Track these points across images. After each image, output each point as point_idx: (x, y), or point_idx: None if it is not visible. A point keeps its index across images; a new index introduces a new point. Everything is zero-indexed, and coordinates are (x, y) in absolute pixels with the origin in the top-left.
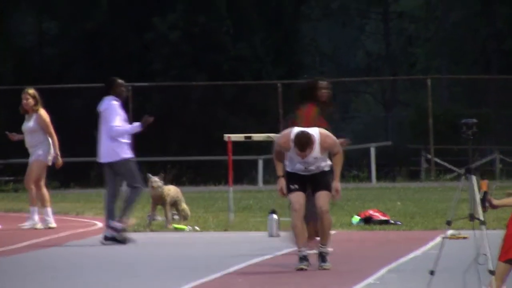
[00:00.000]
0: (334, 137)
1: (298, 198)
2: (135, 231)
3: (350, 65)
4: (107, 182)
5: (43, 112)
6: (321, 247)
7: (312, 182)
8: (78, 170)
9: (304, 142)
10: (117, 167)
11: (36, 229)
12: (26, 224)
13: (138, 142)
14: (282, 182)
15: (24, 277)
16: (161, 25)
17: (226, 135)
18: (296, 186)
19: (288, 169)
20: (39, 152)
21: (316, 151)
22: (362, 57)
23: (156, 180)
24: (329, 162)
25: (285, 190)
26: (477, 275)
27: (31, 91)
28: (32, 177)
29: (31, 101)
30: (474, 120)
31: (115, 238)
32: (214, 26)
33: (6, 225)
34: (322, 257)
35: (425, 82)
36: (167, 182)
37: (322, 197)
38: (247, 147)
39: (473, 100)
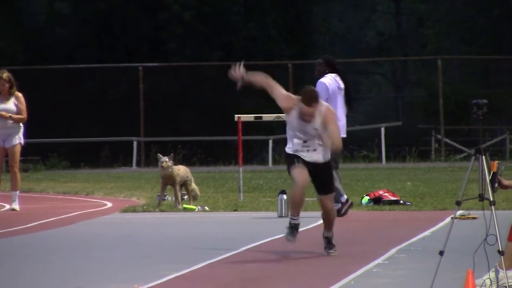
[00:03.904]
0: (335, 115)
1: (301, 173)
2: (144, 211)
3: (361, 46)
4: None
5: (20, 94)
6: (327, 232)
7: (315, 176)
8: (88, 151)
9: (311, 96)
10: None
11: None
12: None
13: (148, 122)
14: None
15: (33, 256)
16: (174, 5)
17: (236, 116)
18: (300, 163)
19: (289, 150)
20: (19, 135)
21: (316, 121)
22: (373, 37)
23: (166, 160)
24: (329, 152)
25: (240, 74)
26: (486, 255)
27: (5, 74)
28: (18, 160)
29: (7, 85)
30: (485, 101)
31: None
32: (226, 6)
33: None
34: (328, 243)
35: (436, 62)
36: (177, 162)
37: (329, 201)
38: (257, 127)
39: (484, 81)
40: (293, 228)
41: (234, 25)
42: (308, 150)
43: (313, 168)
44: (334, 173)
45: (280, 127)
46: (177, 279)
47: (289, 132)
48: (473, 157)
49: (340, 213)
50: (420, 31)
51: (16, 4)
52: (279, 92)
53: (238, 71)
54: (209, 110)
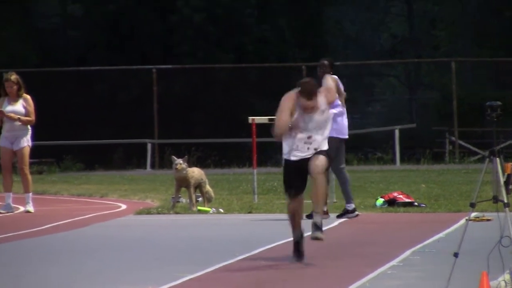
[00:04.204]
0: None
1: (296, 202)
2: (159, 213)
3: (374, 48)
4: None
5: (29, 96)
6: (315, 214)
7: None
8: (102, 153)
9: (310, 89)
10: None
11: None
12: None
13: (162, 124)
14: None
15: (47, 258)
16: (185, 8)
17: (250, 118)
18: (293, 192)
19: (285, 156)
20: (27, 137)
21: (321, 103)
22: (386, 39)
23: (180, 162)
24: (327, 145)
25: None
26: (501, 257)
27: (14, 77)
28: (27, 163)
29: (15, 87)
30: (499, 103)
31: None
32: (238, 8)
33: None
34: (315, 226)
35: (449, 64)
36: (191, 164)
37: (317, 158)
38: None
39: (497, 83)
40: (316, 227)
41: (246, 27)
42: (309, 148)
43: (308, 158)
44: (344, 173)
45: None
46: (191, 282)
47: (290, 135)
48: (487, 159)
49: (338, 215)
50: (433, 33)
51: (28, 6)
52: (284, 111)
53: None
54: (223, 112)
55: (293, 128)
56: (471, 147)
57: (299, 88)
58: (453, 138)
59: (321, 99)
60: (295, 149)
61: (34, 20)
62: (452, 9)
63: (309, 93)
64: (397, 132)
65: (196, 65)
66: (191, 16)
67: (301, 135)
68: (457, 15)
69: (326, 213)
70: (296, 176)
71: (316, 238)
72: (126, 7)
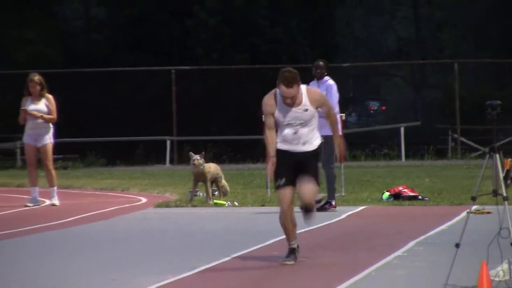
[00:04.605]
0: (321, 92)
1: (285, 197)
2: (177, 206)
3: (382, 50)
4: None
5: (51, 96)
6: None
7: (301, 166)
8: (124, 149)
9: (290, 77)
10: None
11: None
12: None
13: (181, 122)
14: (273, 162)
15: (72, 249)
16: (201, 12)
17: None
18: (283, 181)
19: (278, 146)
20: (49, 134)
21: (305, 102)
22: (393, 42)
23: (197, 158)
24: (319, 139)
25: (271, 171)
26: (499, 248)
27: (37, 78)
28: (50, 158)
29: (38, 87)
30: (498, 102)
31: None
32: (251, 11)
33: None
34: (305, 210)
35: (452, 66)
36: (207, 160)
37: (308, 191)
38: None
39: (497, 83)
40: (291, 253)
41: (260, 29)
42: (298, 143)
43: (300, 158)
44: (333, 172)
45: None
46: (208, 271)
47: (278, 115)
48: (487, 155)
49: (319, 207)
50: (437, 36)
51: (54, 10)
52: (266, 116)
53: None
54: (237, 111)
55: (277, 124)
56: (472, 144)
57: (280, 77)
58: (456, 135)
59: (306, 100)
60: (284, 141)
61: (59, 22)
62: (456, 14)
63: (289, 81)
64: (402, 130)
65: (212, 66)
66: (206, 20)
67: (287, 131)
68: (460, 19)
69: (332, 206)
70: (287, 165)
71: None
72: (146, 11)
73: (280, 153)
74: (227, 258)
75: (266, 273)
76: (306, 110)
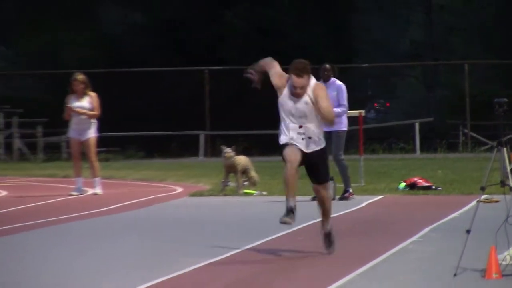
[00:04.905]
0: (325, 89)
1: (293, 151)
2: (210, 195)
3: (397, 52)
4: None
5: (94, 94)
6: (325, 225)
7: (310, 166)
8: (161, 143)
9: (301, 67)
10: None
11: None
12: (97, 191)
13: (213, 118)
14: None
15: (114, 235)
16: (231, 17)
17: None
18: (293, 145)
19: (283, 141)
20: (93, 129)
21: (308, 94)
22: (407, 44)
23: (228, 151)
24: (323, 134)
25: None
26: (507, 234)
27: (80, 77)
28: (93, 151)
29: (82, 86)
30: (505, 100)
31: None
32: (278, 17)
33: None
34: (327, 238)
35: (463, 66)
36: (238, 152)
37: (322, 189)
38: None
39: (505, 83)
40: (290, 211)
41: (286, 34)
42: (303, 138)
43: (308, 158)
44: (343, 163)
45: None
46: (239, 254)
47: (282, 119)
48: (495, 149)
49: (340, 198)
50: (448, 39)
51: (96, 15)
52: (275, 71)
53: (253, 72)
54: (265, 107)
55: (281, 110)
56: (482, 138)
57: (291, 67)
58: (466, 130)
59: (310, 92)
60: (290, 139)
61: (101, 27)
62: (465, 19)
63: (300, 70)
64: (417, 125)
65: (242, 67)
66: (237, 25)
67: (293, 125)
68: (470, 23)
69: (351, 194)
70: (295, 152)
71: (329, 252)
72: (181, 16)
73: (287, 145)
74: (257, 242)
75: (289, 257)
76: (306, 103)
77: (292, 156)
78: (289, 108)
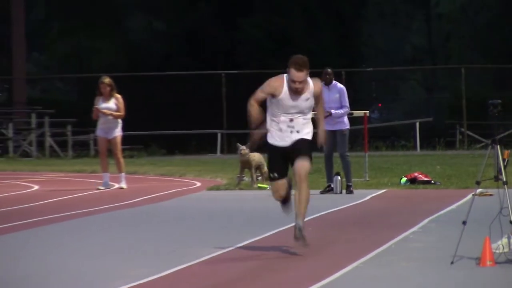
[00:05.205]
0: (321, 86)
1: (280, 188)
2: (226, 189)
3: (399, 57)
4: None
5: (119, 96)
6: (298, 219)
7: (294, 150)
8: (181, 141)
9: (301, 61)
10: None
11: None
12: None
13: (229, 118)
14: (257, 135)
15: (137, 225)
16: (247, 25)
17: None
18: (276, 175)
19: (269, 140)
20: (119, 128)
21: (309, 91)
22: (409, 50)
23: (243, 148)
24: (311, 129)
25: (258, 136)
26: (500, 225)
27: (107, 80)
28: (119, 148)
29: (108, 88)
30: (499, 101)
31: None
32: (289, 24)
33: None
34: (299, 231)
35: (459, 70)
36: (252, 150)
37: (301, 164)
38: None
39: (499, 85)
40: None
41: (296, 40)
42: (292, 132)
43: (292, 146)
44: (348, 159)
45: None
46: (253, 244)
47: (273, 116)
48: (489, 146)
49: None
50: (446, 45)
51: (122, 23)
52: (263, 92)
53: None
54: None
55: (277, 109)
56: (477, 137)
57: (290, 62)
58: (463, 129)
59: (310, 89)
60: (278, 131)
61: (126, 34)
62: (462, 26)
63: (300, 64)
64: (417, 125)
65: (256, 71)
66: (251, 33)
67: (284, 118)
68: (466, 30)
69: (350, 191)
70: (280, 160)
71: (298, 239)
72: (201, 24)
73: (271, 148)
74: (269, 233)
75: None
76: (307, 99)
77: (282, 192)
78: (289, 105)
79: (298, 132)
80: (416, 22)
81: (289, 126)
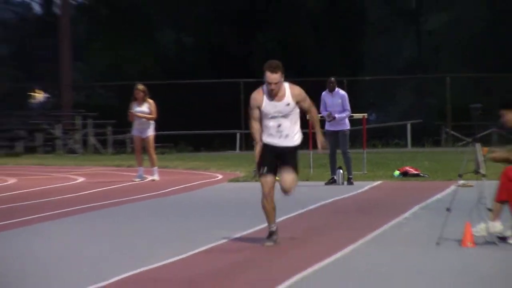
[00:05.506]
0: (301, 89)
1: (267, 183)
2: (244, 181)
3: (394, 67)
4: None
5: (151, 101)
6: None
7: (283, 159)
8: (205, 139)
9: (274, 64)
10: None
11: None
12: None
13: (247, 120)
14: (260, 146)
15: (167, 213)
16: (262, 38)
17: (307, 116)
18: (266, 170)
19: (264, 139)
20: (151, 128)
21: (287, 96)
22: (402, 61)
23: None
24: (300, 134)
25: (259, 153)
26: (479, 212)
27: (141, 87)
28: (152, 145)
29: (142, 94)
30: (480, 105)
31: None
32: (299, 36)
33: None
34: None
35: (445, 79)
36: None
37: (289, 181)
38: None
39: (480, 91)
40: (271, 235)
41: (306, 51)
42: (280, 137)
43: (282, 152)
44: (349, 155)
45: None
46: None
47: (264, 125)
48: (470, 144)
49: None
50: (434, 57)
51: (155, 37)
52: (252, 109)
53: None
54: None
55: (262, 118)
56: (460, 136)
57: (265, 66)
58: (448, 130)
59: (289, 95)
60: (269, 136)
61: (158, 46)
62: (449, 41)
63: (273, 67)
64: (409, 126)
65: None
66: (267, 44)
67: (272, 123)
68: (452, 43)
69: (351, 183)
70: (269, 156)
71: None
72: (222, 38)
73: (264, 145)
74: (281, 218)
75: (305, 230)
76: (288, 104)
77: (266, 189)
78: (272, 111)
79: (287, 136)
80: (408, 37)
81: (278, 131)
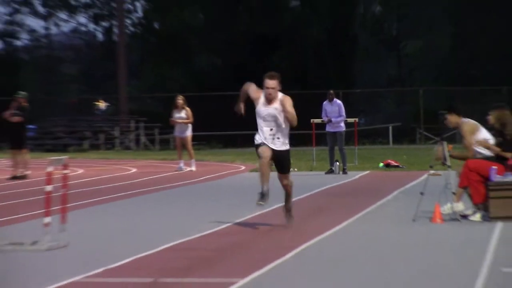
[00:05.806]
0: (289, 100)
1: (265, 149)
2: None
3: (379, 82)
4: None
5: (188, 108)
6: (287, 203)
7: (277, 161)
8: (231, 138)
9: (273, 73)
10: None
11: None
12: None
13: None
14: (241, 104)
15: (203, 196)
16: (275, 58)
17: (312, 120)
18: (263, 144)
19: (258, 141)
20: (189, 130)
21: (277, 102)
22: (386, 77)
23: None
24: (288, 135)
25: (241, 110)
26: (446, 195)
27: (180, 97)
28: (190, 143)
29: (181, 102)
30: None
31: None
32: (305, 59)
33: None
34: (289, 214)
35: (418, 91)
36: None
37: (286, 178)
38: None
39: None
40: (263, 195)
41: (310, 70)
42: (273, 139)
43: (276, 154)
44: (344, 151)
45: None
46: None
47: (259, 125)
48: (439, 142)
49: (343, 172)
50: (411, 74)
51: (192, 59)
52: (252, 88)
53: (239, 107)
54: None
55: (258, 116)
56: (431, 136)
57: (265, 76)
58: (421, 131)
59: (278, 100)
60: (264, 139)
61: (194, 66)
62: (423, 60)
63: (271, 75)
64: (390, 128)
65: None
66: (279, 63)
67: (265, 128)
68: (426, 63)
69: (345, 172)
70: (267, 149)
71: (288, 225)
72: (244, 59)
73: (261, 143)
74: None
75: (307, 210)
76: (276, 108)
77: (265, 153)
78: (263, 114)
79: (279, 138)
80: (390, 59)
81: (271, 134)
